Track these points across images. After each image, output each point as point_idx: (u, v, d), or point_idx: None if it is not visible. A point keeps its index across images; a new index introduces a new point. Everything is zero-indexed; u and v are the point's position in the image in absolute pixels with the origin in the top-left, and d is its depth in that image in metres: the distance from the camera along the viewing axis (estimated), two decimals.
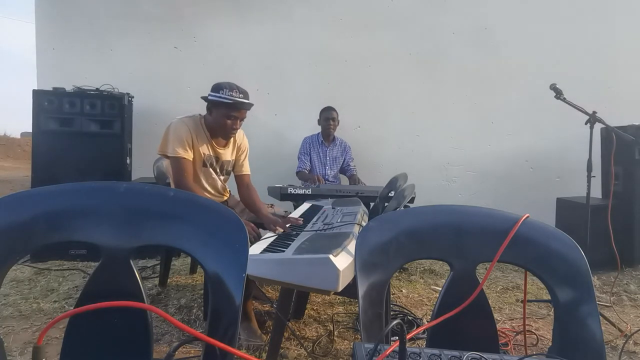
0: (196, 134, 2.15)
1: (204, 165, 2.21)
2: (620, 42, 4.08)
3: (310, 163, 3.66)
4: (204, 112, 2.24)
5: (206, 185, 2.27)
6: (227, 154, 2.31)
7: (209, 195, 2.28)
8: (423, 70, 4.16)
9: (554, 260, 0.98)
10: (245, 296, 1.94)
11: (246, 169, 2.42)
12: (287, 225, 1.87)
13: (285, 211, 2.51)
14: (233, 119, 2.11)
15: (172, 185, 2.23)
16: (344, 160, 3.73)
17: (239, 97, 2.07)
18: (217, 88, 2.09)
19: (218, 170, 2.30)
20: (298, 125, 3.99)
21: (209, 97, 2.11)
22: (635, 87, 4.07)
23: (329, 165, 3.67)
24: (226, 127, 2.13)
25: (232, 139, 2.30)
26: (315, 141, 3.68)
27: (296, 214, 2.20)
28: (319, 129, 3.71)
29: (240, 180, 2.39)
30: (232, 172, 2.42)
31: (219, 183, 2.32)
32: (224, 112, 2.09)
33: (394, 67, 4.14)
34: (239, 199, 2.50)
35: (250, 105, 2.14)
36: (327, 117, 3.60)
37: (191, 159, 2.13)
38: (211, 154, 2.24)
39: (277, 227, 1.85)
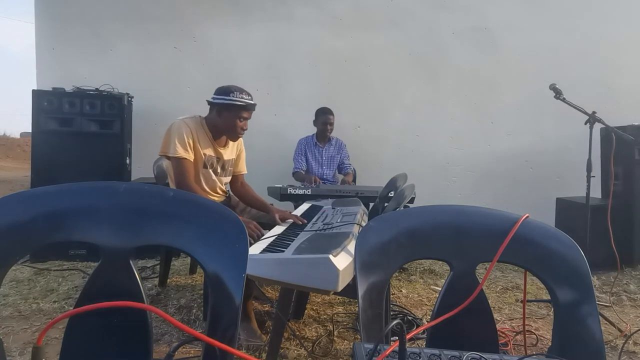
0: (197, 134, 2.15)
1: (204, 166, 2.22)
2: (620, 42, 4.09)
3: (307, 164, 3.65)
4: (204, 112, 2.25)
5: (205, 187, 2.27)
6: (228, 153, 2.34)
7: (208, 197, 2.28)
8: (423, 70, 4.16)
9: (553, 260, 0.98)
10: (246, 296, 1.95)
11: (244, 168, 2.48)
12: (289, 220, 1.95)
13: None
14: (243, 120, 2.17)
15: (172, 186, 2.23)
16: (339, 159, 3.72)
17: (249, 99, 2.14)
18: (226, 91, 2.12)
19: (219, 170, 2.31)
20: (298, 125, 3.98)
21: (218, 100, 2.13)
22: (635, 87, 4.07)
23: (325, 165, 3.66)
24: (237, 128, 2.17)
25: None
26: (310, 142, 3.67)
27: (296, 214, 2.20)
28: (314, 130, 3.70)
29: (235, 179, 2.44)
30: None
31: (218, 185, 2.32)
32: (235, 114, 2.14)
33: (394, 67, 4.15)
34: (238, 199, 2.51)
35: (255, 105, 2.21)
36: (325, 121, 3.57)
37: (192, 160, 2.14)
38: (213, 154, 2.25)
39: (285, 218, 1.98)
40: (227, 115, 2.15)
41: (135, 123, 3.65)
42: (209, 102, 2.19)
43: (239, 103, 2.11)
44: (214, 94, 2.16)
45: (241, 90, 2.14)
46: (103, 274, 0.92)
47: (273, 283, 1.92)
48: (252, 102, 2.16)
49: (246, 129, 2.23)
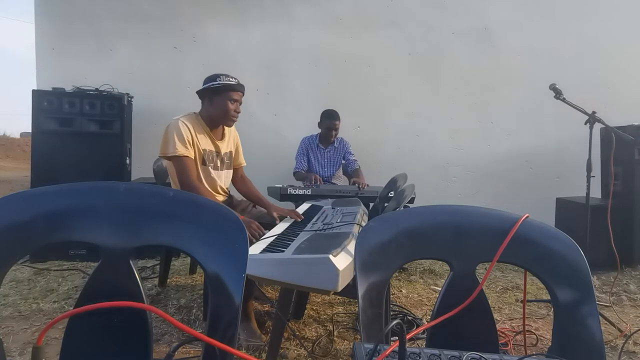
0: (195, 130, 2.17)
1: (203, 163, 2.23)
2: (620, 42, 4.09)
3: (308, 164, 3.65)
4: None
5: (205, 185, 2.27)
6: (225, 146, 2.36)
7: (212, 195, 2.28)
8: (423, 70, 4.16)
9: (553, 260, 0.98)
10: (246, 296, 1.95)
11: (243, 160, 2.54)
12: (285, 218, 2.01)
13: None
14: (234, 102, 2.22)
15: (173, 186, 2.23)
16: (343, 157, 3.68)
17: (236, 81, 2.21)
18: (213, 77, 2.20)
19: (219, 164, 2.32)
20: (298, 125, 3.99)
21: (208, 86, 2.19)
22: (635, 87, 4.07)
23: (327, 167, 3.65)
24: (229, 111, 2.21)
25: (225, 131, 2.36)
26: (313, 142, 3.66)
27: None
28: (318, 129, 3.69)
29: (235, 172, 2.48)
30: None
31: (218, 183, 2.32)
32: (226, 96, 2.19)
33: (394, 67, 4.15)
34: (239, 199, 2.52)
35: (244, 87, 2.27)
36: (330, 127, 3.52)
37: (193, 157, 2.14)
38: (212, 149, 2.27)
39: (282, 214, 2.08)
40: (217, 100, 2.19)
41: (135, 123, 3.65)
42: (198, 93, 2.24)
43: (226, 83, 2.17)
44: (202, 84, 2.22)
45: (227, 75, 2.20)
46: (103, 274, 0.92)
47: (273, 283, 1.92)
48: (241, 83, 2.22)
49: (239, 112, 2.26)
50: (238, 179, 2.51)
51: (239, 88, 2.22)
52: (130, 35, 3.97)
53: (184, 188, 2.05)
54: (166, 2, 4.01)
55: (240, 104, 2.27)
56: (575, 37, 4.09)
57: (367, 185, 3.15)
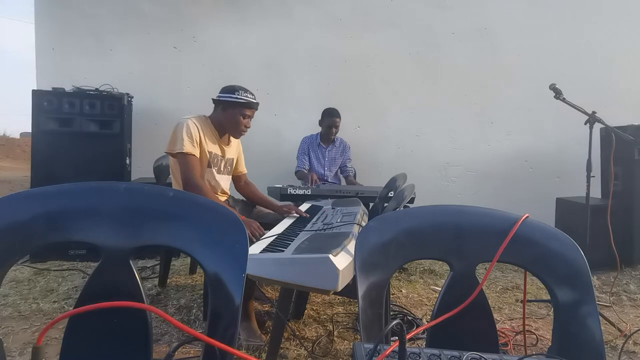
0: (204, 132, 2.19)
1: (208, 165, 2.24)
2: (620, 42, 4.09)
3: (309, 163, 3.65)
4: (203, 111, 2.30)
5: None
6: (230, 152, 2.39)
7: (215, 195, 2.30)
8: (423, 70, 4.16)
9: (553, 260, 0.98)
10: (246, 296, 1.95)
11: (244, 168, 2.58)
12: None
13: None
14: (246, 118, 2.26)
15: (174, 184, 2.23)
16: (342, 161, 3.71)
17: (252, 98, 2.24)
18: (231, 90, 2.22)
19: (222, 168, 2.33)
20: (298, 125, 3.99)
21: (224, 99, 2.22)
22: (635, 87, 4.07)
23: (327, 166, 3.65)
24: (240, 125, 2.25)
25: (231, 137, 2.38)
26: (314, 142, 3.66)
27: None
28: (319, 129, 3.69)
29: (238, 178, 2.53)
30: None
31: (221, 185, 2.33)
32: (239, 112, 2.22)
33: (394, 67, 4.15)
34: (238, 199, 2.52)
35: (258, 105, 2.30)
36: (330, 124, 3.53)
37: (198, 157, 2.15)
38: (218, 152, 2.29)
39: (291, 210, 2.14)
40: (231, 113, 2.22)
41: (135, 123, 3.65)
42: (214, 100, 2.26)
43: (243, 100, 2.20)
44: (220, 93, 2.24)
45: (245, 90, 2.23)
46: (103, 274, 0.92)
47: (273, 283, 1.92)
48: (256, 101, 2.25)
49: (249, 127, 2.29)
50: (242, 185, 2.54)
51: (255, 106, 2.26)
52: (130, 35, 3.97)
53: (187, 186, 2.04)
54: (166, 2, 4.01)
55: (251, 118, 2.29)
56: (576, 37, 4.09)
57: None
